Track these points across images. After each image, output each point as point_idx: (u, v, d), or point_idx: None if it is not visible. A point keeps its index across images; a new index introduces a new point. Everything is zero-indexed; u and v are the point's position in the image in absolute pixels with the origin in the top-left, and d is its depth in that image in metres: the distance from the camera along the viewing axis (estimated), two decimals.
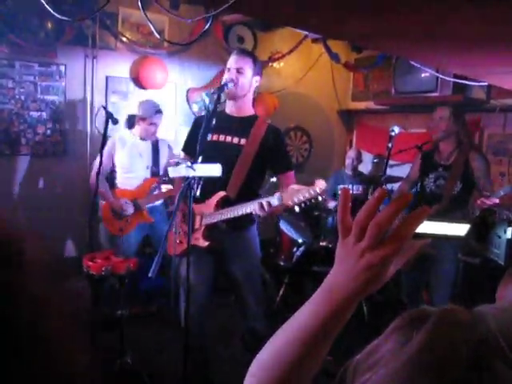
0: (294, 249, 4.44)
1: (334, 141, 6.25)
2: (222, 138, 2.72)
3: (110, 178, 3.81)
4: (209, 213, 2.66)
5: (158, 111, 3.84)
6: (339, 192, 0.69)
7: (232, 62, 2.71)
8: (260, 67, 2.81)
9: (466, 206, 3.33)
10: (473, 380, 0.49)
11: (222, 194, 2.65)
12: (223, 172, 2.43)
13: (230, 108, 2.79)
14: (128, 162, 3.79)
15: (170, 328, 3.50)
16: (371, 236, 0.63)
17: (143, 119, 3.79)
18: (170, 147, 4.11)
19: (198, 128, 2.66)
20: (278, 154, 2.77)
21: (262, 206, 2.36)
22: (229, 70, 2.71)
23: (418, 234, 0.62)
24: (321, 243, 4.27)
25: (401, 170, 4.26)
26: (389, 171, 3.60)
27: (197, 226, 2.69)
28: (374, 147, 5.46)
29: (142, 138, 3.85)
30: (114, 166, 3.81)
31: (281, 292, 4.27)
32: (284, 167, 2.79)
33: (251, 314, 2.82)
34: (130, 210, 3.72)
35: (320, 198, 2.26)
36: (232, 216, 2.56)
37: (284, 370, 0.68)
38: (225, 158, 2.53)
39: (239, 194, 2.67)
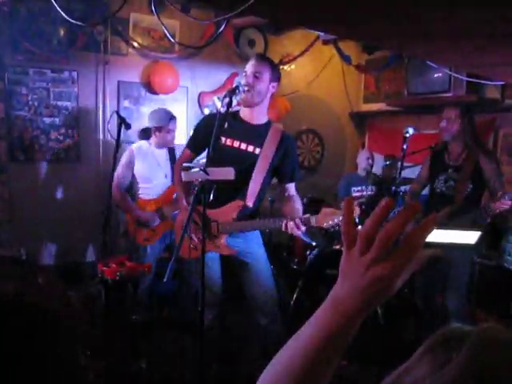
0: (308, 252, 4.40)
1: (346, 143, 6.21)
2: (236, 144, 2.69)
3: (131, 188, 3.76)
4: (227, 222, 2.65)
5: (172, 117, 3.79)
6: (342, 203, 0.66)
7: (249, 66, 2.67)
8: (278, 73, 2.76)
9: (478, 207, 3.27)
10: None
11: (240, 203, 2.65)
12: (238, 180, 2.44)
13: (245, 114, 2.74)
14: (147, 173, 3.74)
15: (183, 332, 3.50)
16: (378, 248, 0.60)
17: (159, 129, 3.74)
18: None
19: (207, 127, 2.62)
20: (289, 163, 2.77)
21: (296, 225, 2.42)
22: (246, 74, 2.66)
23: (427, 243, 0.59)
24: (334, 246, 4.24)
25: (414, 171, 4.20)
26: (402, 173, 3.56)
27: (214, 232, 2.66)
28: (387, 149, 5.40)
29: (159, 147, 3.81)
30: (134, 176, 3.76)
31: (294, 296, 4.24)
32: (292, 177, 2.81)
33: (264, 312, 2.79)
34: (157, 220, 3.71)
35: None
36: (257, 229, 2.66)
37: None
38: (240, 166, 2.52)
39: (255, 203, 2.69)
